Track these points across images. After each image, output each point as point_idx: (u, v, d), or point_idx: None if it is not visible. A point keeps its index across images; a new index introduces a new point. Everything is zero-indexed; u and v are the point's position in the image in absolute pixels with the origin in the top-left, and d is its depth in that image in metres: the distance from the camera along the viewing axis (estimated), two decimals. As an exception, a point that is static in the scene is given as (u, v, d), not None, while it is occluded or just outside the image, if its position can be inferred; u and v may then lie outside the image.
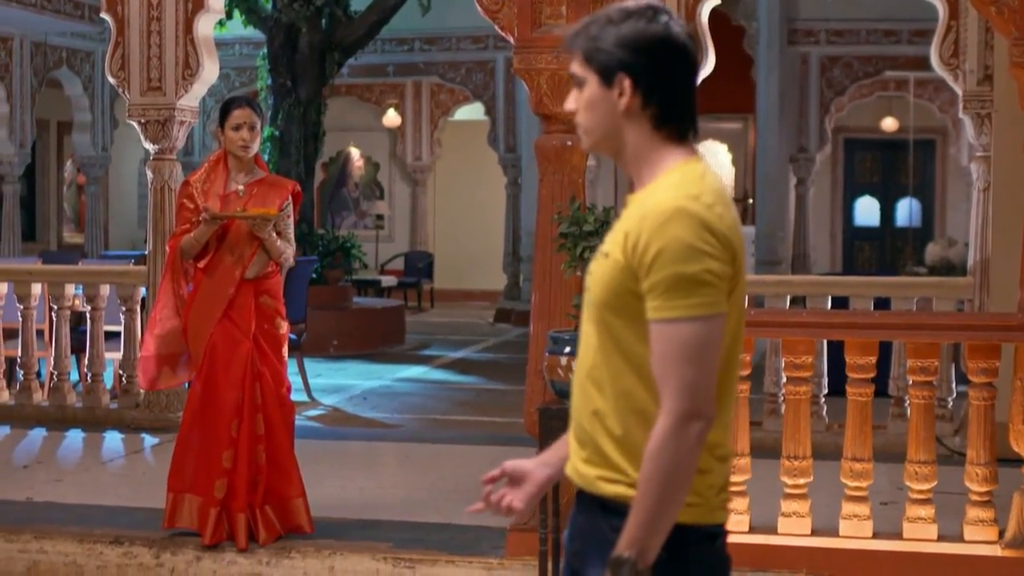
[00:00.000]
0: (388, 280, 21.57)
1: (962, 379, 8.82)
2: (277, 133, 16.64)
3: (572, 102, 2.94)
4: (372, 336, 16.18)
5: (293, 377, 12.08)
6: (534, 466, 3.09)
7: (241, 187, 6.45)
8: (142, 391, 9.75)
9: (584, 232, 5.71)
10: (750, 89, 22.27)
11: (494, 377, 14.00)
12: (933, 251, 18.02)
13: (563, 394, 5.78)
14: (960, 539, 6.05)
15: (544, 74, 6.16)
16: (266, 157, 16.84)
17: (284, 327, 6.53)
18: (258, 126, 6.43)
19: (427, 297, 22.53)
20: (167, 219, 9.48)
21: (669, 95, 2.85)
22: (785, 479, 6.16)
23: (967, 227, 23.12)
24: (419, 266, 22.55)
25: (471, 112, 23.07)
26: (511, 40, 6.27)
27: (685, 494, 2.76)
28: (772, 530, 6.20)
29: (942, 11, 8.95)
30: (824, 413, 8.83)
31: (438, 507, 7.25)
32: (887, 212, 25.96)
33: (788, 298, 8.96)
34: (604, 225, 5.70)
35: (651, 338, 2.77)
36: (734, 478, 6.16)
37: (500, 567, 6.23)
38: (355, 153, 24.20)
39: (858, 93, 21.08)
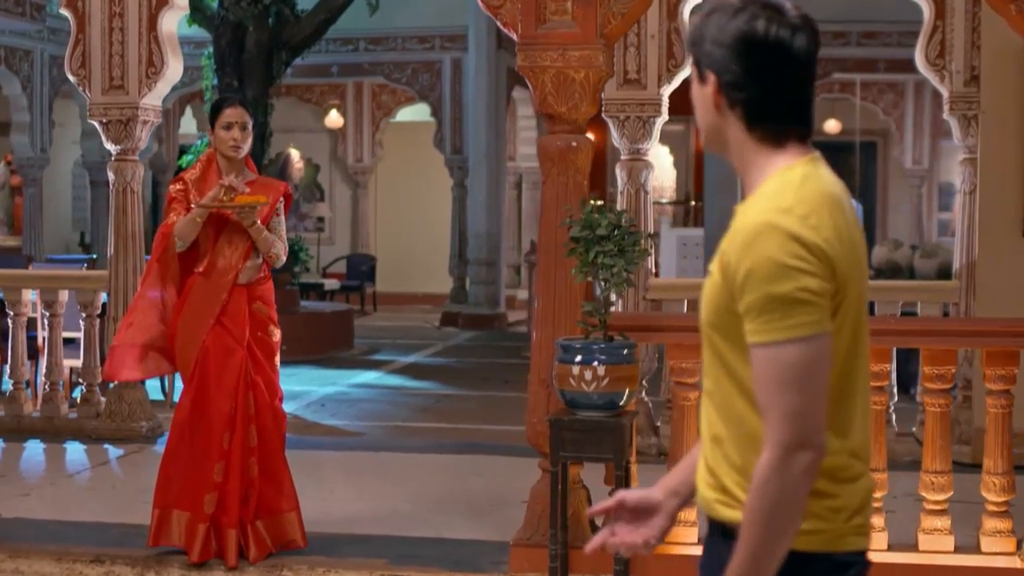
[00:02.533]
0: (331, 283, 21.26)
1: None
2: (223, 134, 16.29)
3: (692, 96, 2.80)
4: (322, 341, 15.87)
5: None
6: (662, 496, 2.87)
7: (226, 192, 6.10)
8: (102, 401, 9.43)
9: (597, 236, 5.50)
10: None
11: (450, 382, 13.77)
12: (880, 253, 17.98)
13: (574, 404, 5.59)
14: (977, 550, 5.89)
15: (549, 72, 5.92)
16: (212, 158, 16.51)
17: (277, 335, 6.29)
18: (250, 126, 6.18)
19: (370, 300, 22.24)
20: (130, 221, 9.18)
21: (757, 94, 2.66)
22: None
23: (909, 229, 23.36)
24: (362, 269, 22.26)
25: (413, 113, 22.80)
26: (514, 37, 6.03)
27: (794, 529, 2.55)
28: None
29: (928, 11, 8.81)
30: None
31: (425, 520, 7.01)
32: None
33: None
34: (617, 229, 5.51)
35: (752, 363, 2.57)
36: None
37: (503, 584, 6.00)
38: (295, 155, 23.84)
39: (803, 95, 21.03)
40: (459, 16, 19.58)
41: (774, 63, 2.64)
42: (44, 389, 9.46)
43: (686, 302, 8.74)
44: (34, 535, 6.65)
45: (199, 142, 16.48)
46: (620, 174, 8.97)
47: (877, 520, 5.93)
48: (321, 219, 23.34)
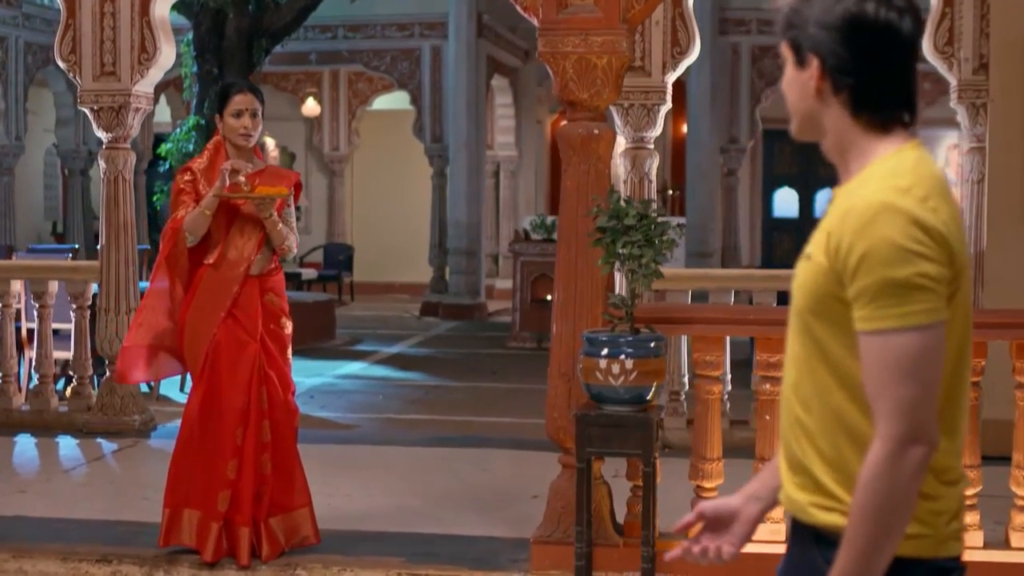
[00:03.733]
0: (308, 273, 21.04)
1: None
2: (203, 121, 16.05)
3: (783, 80, 2.68)
4: (304, 331, 15.55)
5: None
6: (741, 502, 2.76)
7: (242, 178, 5.91)
8: (93, 394, 9.25)
9: (624, 226, 5.36)
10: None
11: (437, 373, 13.63)
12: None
13: (600, 399, 5.45)
14: (1007, 546, 5.79)
15: (570, 58, 5.77)
16: (191, 146, 16.27)
17: (289, 327, 6.10)
18: (260, 113, 5.98)
19: (347, 290, 22.05)
20: (122, 211, 9.00)
21: (865, 79, 2.54)
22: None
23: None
24: (339, 258, 22.07)
25: (391, 101, 22.61)
26: (535, 22, 5.87)
27: (904, 528, 2.44)
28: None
29: (936, -2, 8.72)
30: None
31: (435, 516, 6.87)
32: (805, 203, 25.95)
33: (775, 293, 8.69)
34: (644, 219, 5.38)
35: (860, 352, 2.44)
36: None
37: (524, 582, 5.85)
38: (270, 143, 23.58)
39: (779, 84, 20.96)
40: (439, 3, 19.41)
41: (883, 46, 2.53)
42: (33, 382, 9.26)
43: (690, 293, 8.62)
44: (36, 534, 6.47)
45: (177, 130, 16.24)
46: (623, 162, 8.84)
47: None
48: (297, 208, 23.05)
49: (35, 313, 9.28)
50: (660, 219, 5.41)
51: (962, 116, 8.59)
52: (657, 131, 8.79)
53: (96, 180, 20.76)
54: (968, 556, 5.54)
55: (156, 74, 9.03)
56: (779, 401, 5.74)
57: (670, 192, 25.94)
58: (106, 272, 9.00)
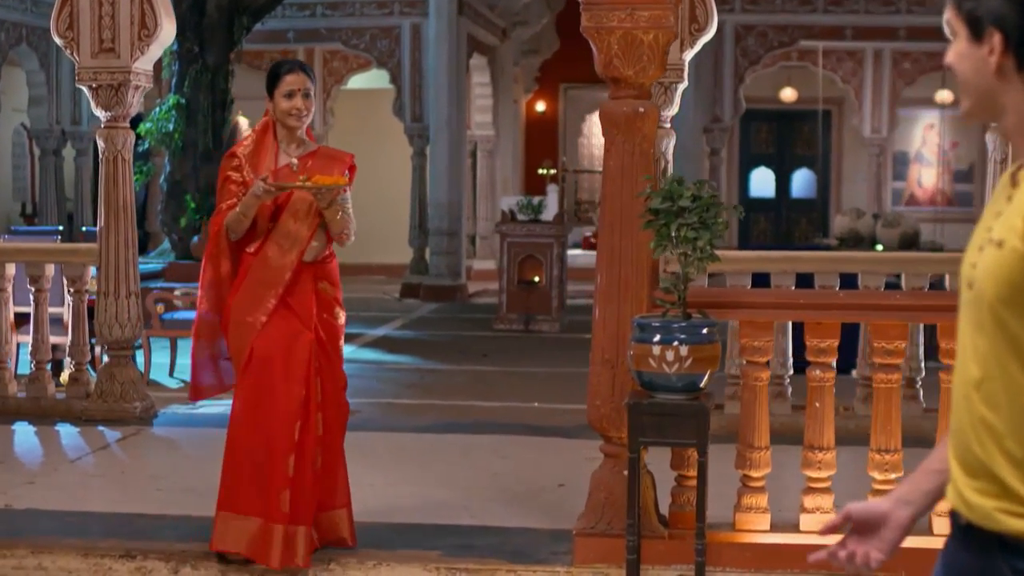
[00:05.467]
0: (285, 254, 20.73)
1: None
2: (183, 101, 15.78)
3: (949, 55, 2.45)
4: (288, 313, 15.43)
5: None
6: (891, 506, 2.59)
7: (294, 160, 5.65)
8: (92, 380, 9.00)
9: (679, 208, 5.16)
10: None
11: (428, 356, 13.43)
12: (841, 223, 17.84)
13: (652, 386, 5.26)
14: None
15: (616, 33, 5.56)
16: (171, 126, 15.97)
17: (343, 317, 5.80)
18: (312, 93, 5.67)
19: (324, 272, 21.74)
20: (121, 192, 8.73)
21: None
22: (875, 474, 5.70)
23: (865, 198, 23.23)
24: (315, 240, 21.76)
25: (366, 80, 22.31)
26: (578, -5, 5.65)
27: None
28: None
29: (957, -28, 8.50)
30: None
31: (464, 506, 6.67)
32: (782, 183, 25.87)
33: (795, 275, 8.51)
34: (697, 200, 5.18)
35: None
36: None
37: (568, 575, 5.66)
38: (244, 123, 23.21)
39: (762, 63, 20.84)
40: (418, -20, 19.16)
41: None
42: (30, 368, 8.99)
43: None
44: (52, 527, 6.23)
45: (157, 109, 15.95)
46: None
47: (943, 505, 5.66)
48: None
49: (31, 298, 8.99)
50: (714, 200, 5.21)
51: (985, 95, 8.41)
52: (674, 110, 8.63)
53: (69, 160, 20.51)
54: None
55: (156, 51, 8.77)
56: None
57: (646, 172, 25.77)
58: (105, 254, 8.73)
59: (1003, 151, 8.40)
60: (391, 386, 11.45)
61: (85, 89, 8.71)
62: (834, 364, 5.74)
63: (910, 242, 16.90)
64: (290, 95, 5.59)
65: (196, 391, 5.89)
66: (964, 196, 24.50)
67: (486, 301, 19.27)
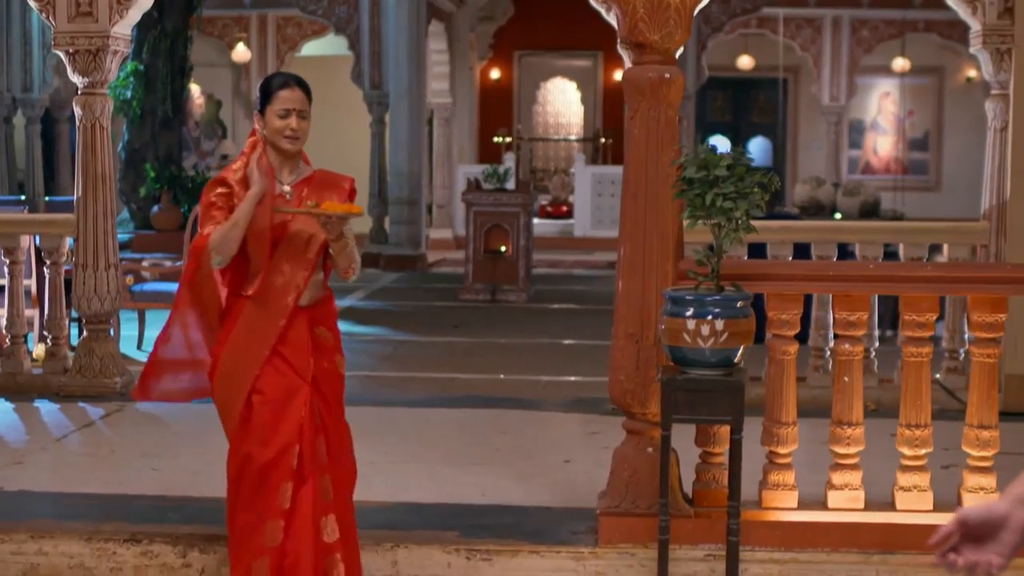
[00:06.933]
0: (241, 224, 20.42)
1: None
2: (142, 68, 15.47)
3: None
4: (250, 284, 15.17)
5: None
6: (1009, 507, 2.42)
7: (287, 187, 4.92)
8: (69, 354, 8.74)
9: (715, 177, 4.99)
10: (599, 25, 21.71)
11: (398, 327, 13.23)
12: (802, 191, 17.74)
13: (685, 362, 5.09)
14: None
15: (642, -4, 5.38)
16: (129, 93, 15.65)
17: (343, 365, 5.09)
18: (309, 110, 4.93)
19: (279, 241, 21.45)
20: (99, 160, 8.47)
21: None
22: (904, 449, 5.57)
23: (823, 167, 23.21)
24: (270, 209, 21.45)
25: (323, 47, 22.00)
26: (602, -44, 5.46)
27: None
28: (889, 506, 5.62)
29: (960, -61, 8.39)
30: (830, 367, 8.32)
31: (473, 483, 6.50)
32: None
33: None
34: (732, 168, 5.01)
35: None
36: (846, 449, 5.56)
37: (593, 556, 5.49)
38: (195, 90, 22.87)
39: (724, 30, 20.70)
40: (377, -56, 18.85)
41: None
42: (5, 343, 8.71)
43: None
44: (49, 510, 6.00)
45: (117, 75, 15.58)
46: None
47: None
48: (225, 157, 22.47)
49: (5, 270, 8.71)
50: (751, 169, 5.04)
51: (985, 62, 8.29)
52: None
53: (19, 128, 20.06)
54: None
55: (135, 14, 8.47)
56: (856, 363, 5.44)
57: (602, 140, 25.63)
58: (83, 226, 8.46)
59: (1003, 119, 8.30)
60: (366, 358, 11.22)
61: (62, 54, 8.42)
62: (863, 337, 5.61)
63: (870, 211, 16.85)
64: (284, 114, 4.86)
65: (143, 389, 5.23)
66: (919, 164, 24.53)
67: (447, 271, 19.07)
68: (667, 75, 5.46)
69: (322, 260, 4.96)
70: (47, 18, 8.40)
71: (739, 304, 5.07)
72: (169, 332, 5.08)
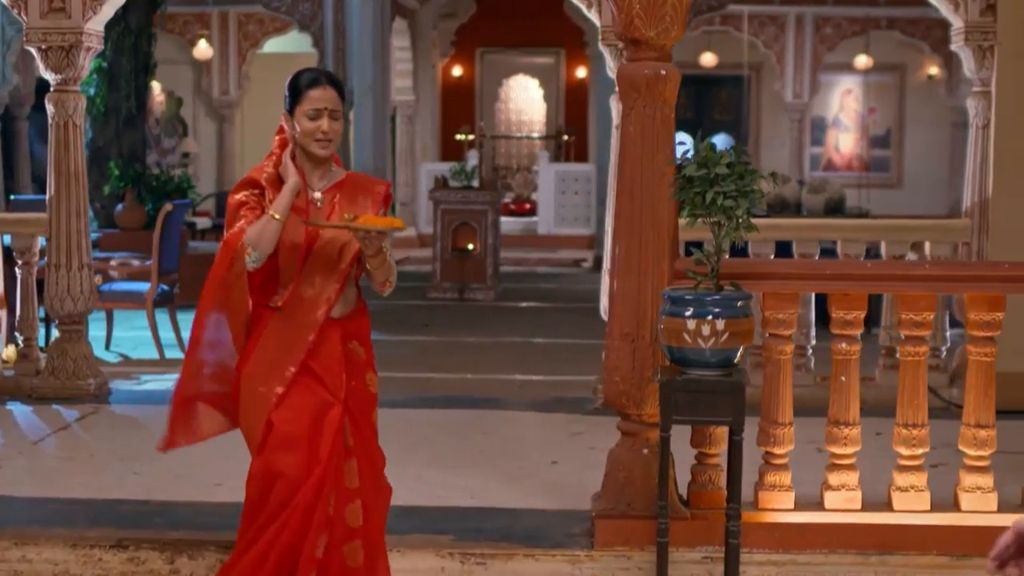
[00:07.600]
0: (203, 222, 20.23)
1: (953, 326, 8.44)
2: (105, 64, 15.26)
3: None
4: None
5: (167, 333, 11.04)
6: None
7: (318, 194, 4.60)
8: (42, 357, 8.59)
9: (716, 176, 4.93)
10: (562, 22, 21.66)
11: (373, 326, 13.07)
12: (765, 189, 17.73)
13: (684, 362, 5.03)
14: None
15: (638, -8, 5.31)
16: (92, 90, 15.45)
17: (375, 384, 4.75)
18: (342, 110, 4.59)
19: (241, 240, 21.26)
20: (71, 157, 8.33)
21: None
22: (901, 449, 5.54)
23: (786, 164, 23.24)
24: (232, 207, 21.25)
25: (283, 44, 21.82)
26: (598, -48, 5.39)
27: None
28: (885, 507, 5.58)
29: (942, -64, 8.36)
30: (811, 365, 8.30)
31: (463, 486, 6.43)
32: (699, 149, 25.79)
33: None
34: (732, 167, 4.95)
35: None
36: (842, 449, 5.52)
37: (589, 560, 5.43)
38: (155, 87, 22.63)
39: (690, 26, 20.67)
40: (340, -59, 18.72)
41: None
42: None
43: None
44: (31, 516, 5.87)
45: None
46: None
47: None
48: (187, 155, 22.26)
49: (-25, 271, 8.58)
50: (750, 166, 4.99)
51: (967, 59, 8.27)
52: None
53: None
54: (994, 521, 5.26)
55: (108, 11, 8.33)
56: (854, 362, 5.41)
57: (564, 137, 25.57)
58: (55, 225, 8.32)
59: (985, 116, 8.29)
60: (339, 358, 11.11)
61: (34, 51, 8.27)
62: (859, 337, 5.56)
63: (835, 208, 16.85)
64: (315, 115, 4.52)
65: (167, 442, 4.75)
66: (881, 161, 24.58)
67: (412, 269, 18.93)
68: (663, 72, 5.39)
69: (355, 271, 4.67)
70: (19, 14, 8.26)
71: (739, 304, 5.02)
72: (200, 334, 4.65)
